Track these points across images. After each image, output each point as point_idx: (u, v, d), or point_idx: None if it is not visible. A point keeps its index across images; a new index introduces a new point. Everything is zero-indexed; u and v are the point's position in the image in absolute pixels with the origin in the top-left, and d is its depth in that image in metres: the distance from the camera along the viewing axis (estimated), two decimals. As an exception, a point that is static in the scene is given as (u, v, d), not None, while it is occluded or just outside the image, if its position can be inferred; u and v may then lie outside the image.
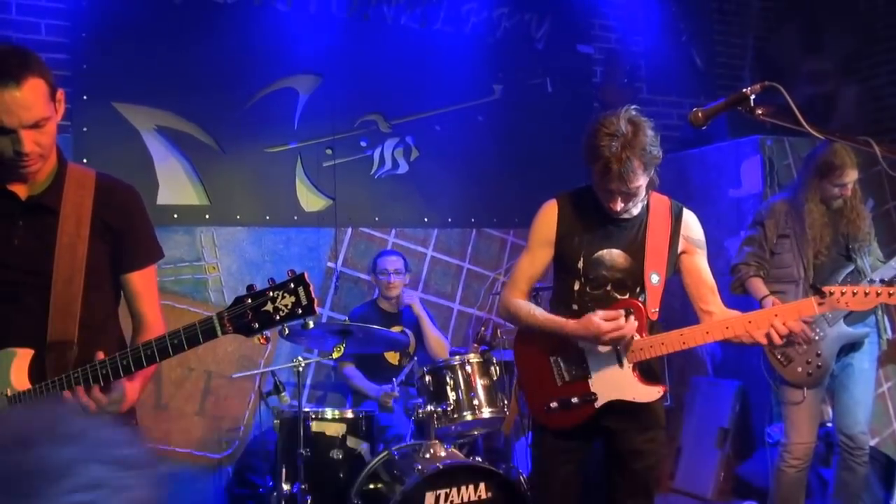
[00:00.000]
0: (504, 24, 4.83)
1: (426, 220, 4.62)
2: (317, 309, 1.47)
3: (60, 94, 1.74)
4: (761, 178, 4.27)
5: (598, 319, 2.17)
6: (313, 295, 1.48)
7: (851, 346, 3.17)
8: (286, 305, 1.49)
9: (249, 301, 1.52)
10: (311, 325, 1.49)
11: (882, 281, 2.94)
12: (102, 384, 1.65)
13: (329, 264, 4.37)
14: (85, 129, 3.84)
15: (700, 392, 4.61)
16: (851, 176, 3.09)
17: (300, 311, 1.48)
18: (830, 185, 3.10)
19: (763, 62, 5.22)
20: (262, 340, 1.49)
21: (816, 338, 3.07)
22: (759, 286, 3.16)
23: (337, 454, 3.28)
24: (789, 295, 3.13)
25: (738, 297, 3.17)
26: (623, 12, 5.09)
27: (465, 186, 4.67)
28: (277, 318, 1.50)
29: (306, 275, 1.50)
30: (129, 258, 1.86)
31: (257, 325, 1.51)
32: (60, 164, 1.82)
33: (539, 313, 2.32)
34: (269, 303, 1.49)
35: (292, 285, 1.49)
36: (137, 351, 1.63)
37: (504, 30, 4.83)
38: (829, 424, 3.71)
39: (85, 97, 3.85)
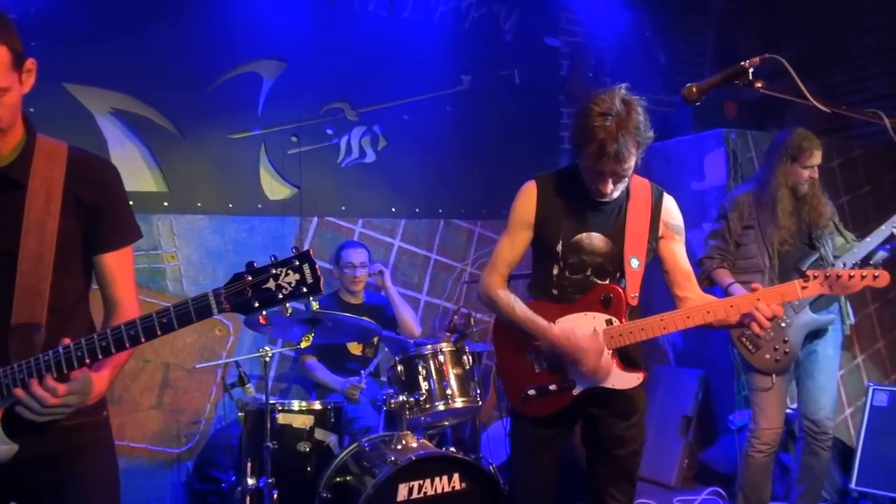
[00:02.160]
0: (473, 14, 4.81)
1: (393, 210, 4.56)
2: (322, 288, 1.39)
3: (31, 63, 1.63)
4: (725, 171, 4.36)
5: (584, 338, 2.16)
6: (319, 273, 1.41)
7: (816, 333, 3.24)
8: (290, 283, 1.41)
9: (250, 278, 1.43)
10: (316, 305, 1.42)
11: (855, 265, 3.03)
12: (77, 367, 1.54)
13: (294, 254, 4.27)
14: (32, 109, 3.59)
15: (663, 381, 4.69)
16: (819, 157, 3.18)
17: (305, 290, 1.41)
18: (801, 168, 3.17)
19: (722, 60, 5.34)
20: (262, 321, 1.41)
21: (783, 325, 3.15)
22: (724, 275, 3.22)
23: (305, 447, 3.21)
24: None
25: (707, 290, 3.21)
26: (589, 7, 5.14)
27: (432, 177, 4.64)
28: (280, 296, 1.41)
29: (311, 252, 1.43)
30: (104, 238, 1.74)
31: (258, 304, 1.42)
32: (29, 136, 1.69)
33: (519, 309, 2.27)
34: (271, 280, 1.41)
35: (297, 262, 1.42)
36: (119, 331, 1.52)
37: (472, 20, 4.81)
38: (789, 411, 3.82)
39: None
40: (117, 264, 1.77)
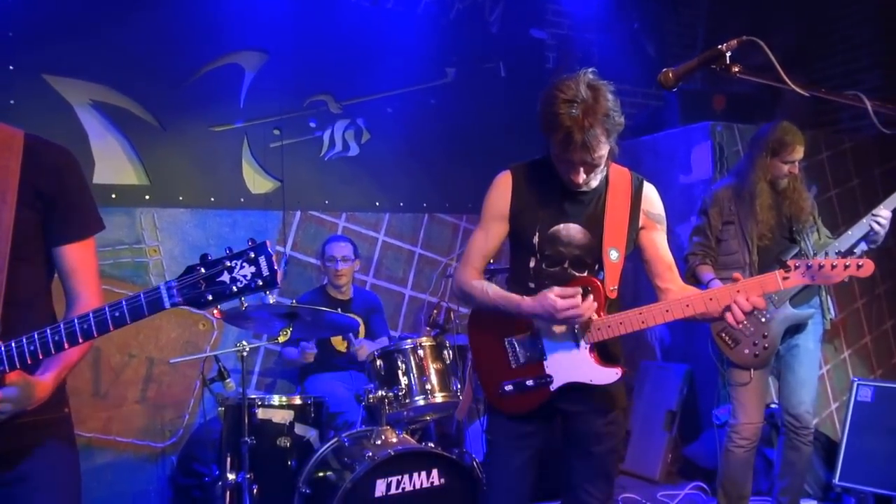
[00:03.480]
0: (457, 5, 4.77)
1: (377, 204, 4.53)
2: (279, 281, 1.36)
3: None
4: (711, 164, 4.32)
5: (554, 296, 2.07)
6: (276, 266, 1.38)
7: (797, 327, 3.20)
8: (245, 276, 1.37)
9: (203, 270, 1.40)
10: (273, 299, 1.39)
11: (837, 256, 3.00)
12: (30, 362, 1.50)
13: (278, 248, 4.25)
14: (12, 101, 3.63)
15: (649, 376, 4.67)
16: (800, 153, 3.14)
17: (260, 283, 1.37)
18: (781, 163, 3.14)
19: (711, 52, 5.29)
20: (216, 314, 1.37)
21: (762, 319, 3.12)
22: (705, 271, 3.19)
23: (284, 442, 3.19)
24: (736, 280, 3.17)
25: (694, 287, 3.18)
26: (576, -1, 5.11)
27: (417, 171, 4.60)
28: (234, 289, 1.38)
29: (268, 243, 1.39)
30: (64, 229, 1.69)
31: (211, 297, 1.38)
32: None
33: (492, 291, 2.21)
34: (225, 273, 1.38)
35: (252, 254, 1.38)
36: (72, 324, 1.48)
37: (457, 11, 4.78)
38: (773, 406, 3.80)
39: (11, 67, 3.64)
40: (78, 256, 1.72)
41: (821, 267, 2.00)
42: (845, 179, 4.82)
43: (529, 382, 2.21)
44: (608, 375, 2.17)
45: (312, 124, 4.36)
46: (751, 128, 4.38)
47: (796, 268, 2.02)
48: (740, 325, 2.08)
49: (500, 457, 2.34)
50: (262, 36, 4.18)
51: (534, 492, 2.37)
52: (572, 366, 2.18)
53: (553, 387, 2.19)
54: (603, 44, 5.11)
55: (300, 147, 4.31)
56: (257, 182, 4.21)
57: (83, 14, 3.76)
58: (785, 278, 2.03)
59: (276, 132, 4.25)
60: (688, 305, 2.10)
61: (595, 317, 2.14)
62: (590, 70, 2.07)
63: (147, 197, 3.95)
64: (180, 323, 3.98)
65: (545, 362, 2.21)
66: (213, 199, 4.10)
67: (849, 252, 3.05)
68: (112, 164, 3.85)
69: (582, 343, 2.17)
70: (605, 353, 2.20)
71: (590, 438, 2.27)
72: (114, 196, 3.85)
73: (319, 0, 4.35)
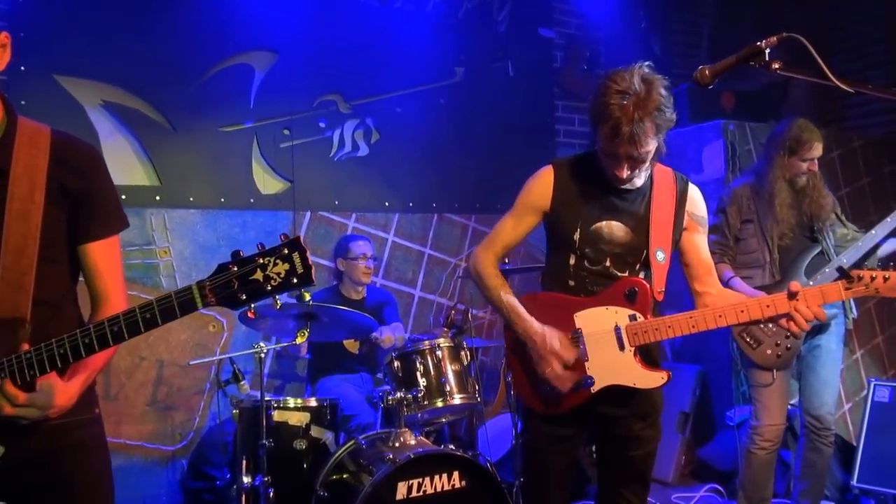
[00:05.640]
0: (466, 4, 4.75)
1: (387, 204, 4.50)
2: (314, 278, 1.32)
3: (4, 37, 1.54)
4: (724, 163, 4.30)
5: (559, 339, 2.10)
6: (310, 262, 1.34)
7: (819, 328, 3.17)
8: (279, 274, 1.33)
9: (235, 269, 1.35)
10: (308, 296, 1.35)
11: (860, 259, 2.97)
12: (60, 366, 1.48)
13: (288, 249, 4.21)
14: (23, 102, 3.58)
15: (661, 377, 4.63)
16: (819, 150, 3.12)
17: (295, 281, 1.33)
18: (799, 161, 3.11)
19: (718, 51, 5.29)
20: (250, 315, 1.34)
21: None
22: (723, 269, 3.16)
23: (300, 444, 3.16)
24: (755, 280, 3.15)
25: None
26: (583, -3, 5.10)
27: (426, 171, 4.57)
28: (269, 287, 1.34)
29: (301, 238, 1.35)
30: (89, 227, 1.66)
31: (245, 296, 1.34)
32: (10, 119, 1.60)
33: (506, 299, 2.20)
34: (258, 270, 1.34)
35: (286, 251, 1.34)
36: (102, 327, 1.45)
37: (466, 11, 4.75)
38: (789, 407, 3.77)
39: (23, 68, 3.59)
40: (103, 255, 1.70)
41: (886, 279, 1.90)
42: (855, 178, 4.80)
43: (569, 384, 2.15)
44: (654, 379, 2.12)
45: (322, 124, 4.33)
46: (762, 126, 4.36)
47: (859, 279, 1.92)
48: (799, 331, 2.01)
49: (537, 460, 2.31)
50: (271, 36, 4.15)
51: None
52: (615, 368, 2.13)
53: (594, 389, 2.14)
54: (610, 43, 5.10)
55: (310, 147, 4.28)
56: (267, 182, 4.18)
57: (94, 15, 3.73)
58: (847, 289, 1.95)
59: (286, 132, 4.22)
60: (742, 311, 2.05)
61: (641, 318, 2.09)
62: (645, 63, 2.04)
63: (157, 198, 3.91)
64: (190, 325, 3.95)
65: (587, 363, 2.15)
66: (223, 200, 4.06)
67: (870, 252, 3.03)
68: (122, 164, 3.82)
69: (626, 345, 2.11)
70: (648, 356, 2.15)
71: (628, 442, 2.24)
72: (124, 197, 3.80)
73: (329, 0, 4.32)
